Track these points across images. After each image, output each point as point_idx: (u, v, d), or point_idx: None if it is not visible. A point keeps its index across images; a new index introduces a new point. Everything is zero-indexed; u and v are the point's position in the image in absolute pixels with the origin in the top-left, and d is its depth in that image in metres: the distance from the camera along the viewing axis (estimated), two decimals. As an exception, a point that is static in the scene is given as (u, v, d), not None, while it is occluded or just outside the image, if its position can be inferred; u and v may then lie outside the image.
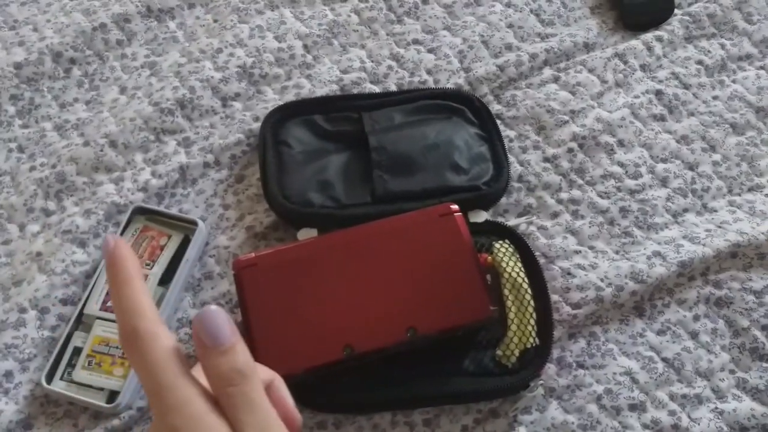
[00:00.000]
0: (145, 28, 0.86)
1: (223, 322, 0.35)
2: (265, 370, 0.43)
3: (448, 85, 0.79)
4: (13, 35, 0.86)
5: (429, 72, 0.81)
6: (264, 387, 0.41)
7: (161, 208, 0.72)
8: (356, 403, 0.61)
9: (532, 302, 0.62)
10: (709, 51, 0.82)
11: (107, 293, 0.66)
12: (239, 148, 0.76)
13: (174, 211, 0.72)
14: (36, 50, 0.83)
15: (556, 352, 0.64)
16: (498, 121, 0.76)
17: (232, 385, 0.35)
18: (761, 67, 0.81)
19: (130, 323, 0.35)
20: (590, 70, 0.80)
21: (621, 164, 0.74)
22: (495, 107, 0.78)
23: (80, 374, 0.63)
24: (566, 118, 0.77)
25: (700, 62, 0.81)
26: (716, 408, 0.61)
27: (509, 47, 0.82)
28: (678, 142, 0.76)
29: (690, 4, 0.85)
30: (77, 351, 0.64)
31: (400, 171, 0.71)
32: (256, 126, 0.77)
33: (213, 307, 0.36)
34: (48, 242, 0.71)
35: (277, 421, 0.36)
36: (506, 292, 0.63)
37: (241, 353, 0.36)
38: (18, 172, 0.76)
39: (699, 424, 0.60)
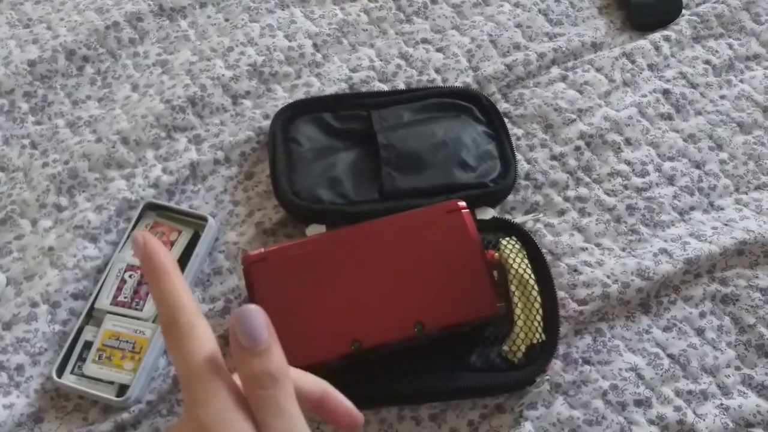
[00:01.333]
0: (157, 26, 0.87)
1: (261, 323, 0.35)
2: (314, 381, 0.42)
3: (457, 84, 0.80)
4: (27, 33, 0.87)
5: (437, 71, 0.81)
6: (316, 399, 0.41)
7: (172, 204, 0.72)
8: (363, 397, 0.61)
9: (538, 298, 0.63)
10: (716, 51, 0.82)
11: (117, 288, 0.67)
12: (249, 145, 0.77)
13: (184, 207, 0.73)
14: (50, 48, 0.84)
15: (562, 348, 0.65)
16: (506, 120, 0.77)
17: (263, 388, 0.34)
18: (769, 67, 0.81)
19: (169, 314, 0.36)
20: (598, 70, 0.81)
21: (628, 162, 0.74)
22: (503, 106, 0.79)
23: (90, 368, 0.64)
24: (574, 116, 0.77)
25: (707, 62, 0.81)
26: (722, 404, 0.62)
27: (517, 46, 0.83)
28: (685, 140, 0.76)
29: (698, 5, 0.85)
30: (88, 345, 0.65)
31: (409, 168, 0.71)
32: (266, 124, 0.77)
33: (252, 306, 0.35)
34: (60, 237, 0.71)
35: (305, 429, 0.35)
36: (513, 288, 0.63)
37: (276, 357, 0.35)
38: (31, 168, 0.77)
39: (704, 420, 0.61)
